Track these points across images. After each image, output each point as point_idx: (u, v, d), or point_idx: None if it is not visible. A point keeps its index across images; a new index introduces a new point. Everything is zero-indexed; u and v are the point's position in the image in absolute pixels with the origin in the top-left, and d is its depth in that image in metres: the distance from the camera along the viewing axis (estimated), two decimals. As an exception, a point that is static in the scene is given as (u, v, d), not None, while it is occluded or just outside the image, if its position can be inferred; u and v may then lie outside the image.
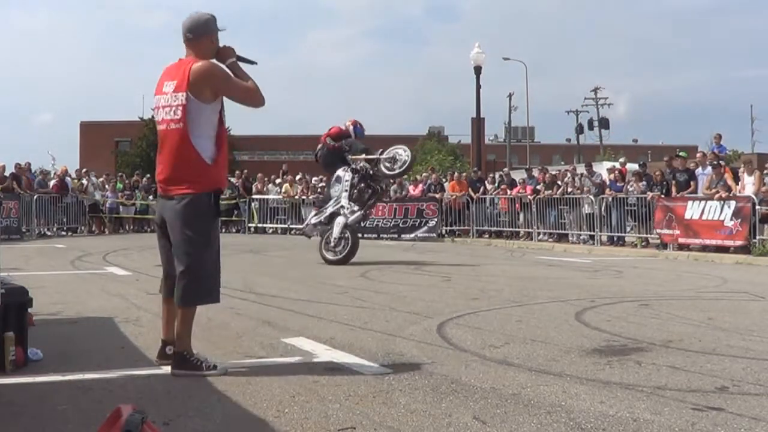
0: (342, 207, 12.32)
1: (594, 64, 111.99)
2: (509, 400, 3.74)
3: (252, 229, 24.02)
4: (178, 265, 4.35)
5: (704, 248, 14.75)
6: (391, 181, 14.63)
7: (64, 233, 21.97)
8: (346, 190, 12.32)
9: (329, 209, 12.50)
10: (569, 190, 18.89)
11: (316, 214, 12.97)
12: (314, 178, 25.20)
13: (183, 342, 4.37)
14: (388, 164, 12.41)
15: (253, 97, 4.45)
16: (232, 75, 4.41)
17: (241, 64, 4.51)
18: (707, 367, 4.52)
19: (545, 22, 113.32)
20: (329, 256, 12.24)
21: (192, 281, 4.31)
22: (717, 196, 14.73)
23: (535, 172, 21.81)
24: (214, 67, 4.37)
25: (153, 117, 4.56)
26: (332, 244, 12.25)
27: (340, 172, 12.56)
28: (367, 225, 21.86)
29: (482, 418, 3.42)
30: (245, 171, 27.11)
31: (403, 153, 12.36)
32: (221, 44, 4.49)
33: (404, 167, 12.42)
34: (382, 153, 12.50)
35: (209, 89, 4.31)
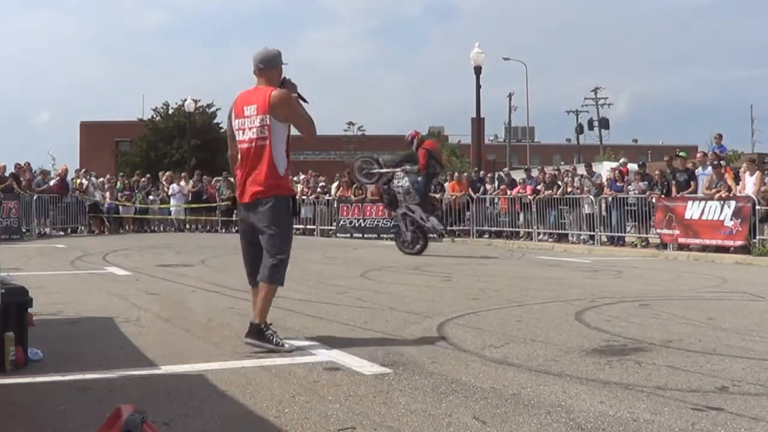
0: None
1: (594, 64, 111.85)
2: (509, 400, 3.74)
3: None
4: (271, 253, 5.10)
5: (704, 248, 14.74)
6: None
7: (63, 233, 21.97)
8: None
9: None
10: (569, 190, 18.89)
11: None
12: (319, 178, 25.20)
13: (263, 316, 5.09)
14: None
15: (310, 129, 5.23)
16: (299, 106, 5.21)
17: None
18: (707, 367, 4.52)
19: (545, 22, 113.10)
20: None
21: (283, 266, 5.14)
22: (717, 195, 14.73)
23: (535, 173, 21.80)
24: (289, 97, 5.14)
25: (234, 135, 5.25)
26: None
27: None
28: (367, 225, 21.96)
29: (482, 418, 3.42)
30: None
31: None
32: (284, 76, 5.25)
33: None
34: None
35: (282, 114, 5.08)
